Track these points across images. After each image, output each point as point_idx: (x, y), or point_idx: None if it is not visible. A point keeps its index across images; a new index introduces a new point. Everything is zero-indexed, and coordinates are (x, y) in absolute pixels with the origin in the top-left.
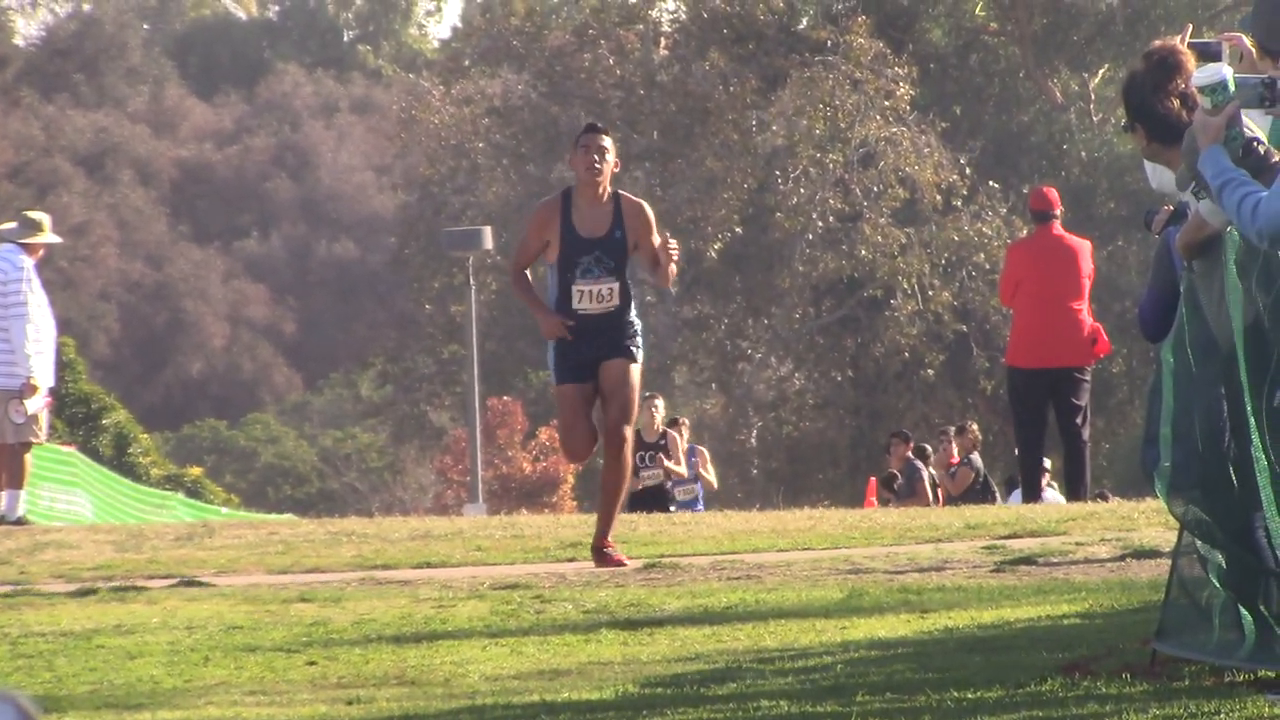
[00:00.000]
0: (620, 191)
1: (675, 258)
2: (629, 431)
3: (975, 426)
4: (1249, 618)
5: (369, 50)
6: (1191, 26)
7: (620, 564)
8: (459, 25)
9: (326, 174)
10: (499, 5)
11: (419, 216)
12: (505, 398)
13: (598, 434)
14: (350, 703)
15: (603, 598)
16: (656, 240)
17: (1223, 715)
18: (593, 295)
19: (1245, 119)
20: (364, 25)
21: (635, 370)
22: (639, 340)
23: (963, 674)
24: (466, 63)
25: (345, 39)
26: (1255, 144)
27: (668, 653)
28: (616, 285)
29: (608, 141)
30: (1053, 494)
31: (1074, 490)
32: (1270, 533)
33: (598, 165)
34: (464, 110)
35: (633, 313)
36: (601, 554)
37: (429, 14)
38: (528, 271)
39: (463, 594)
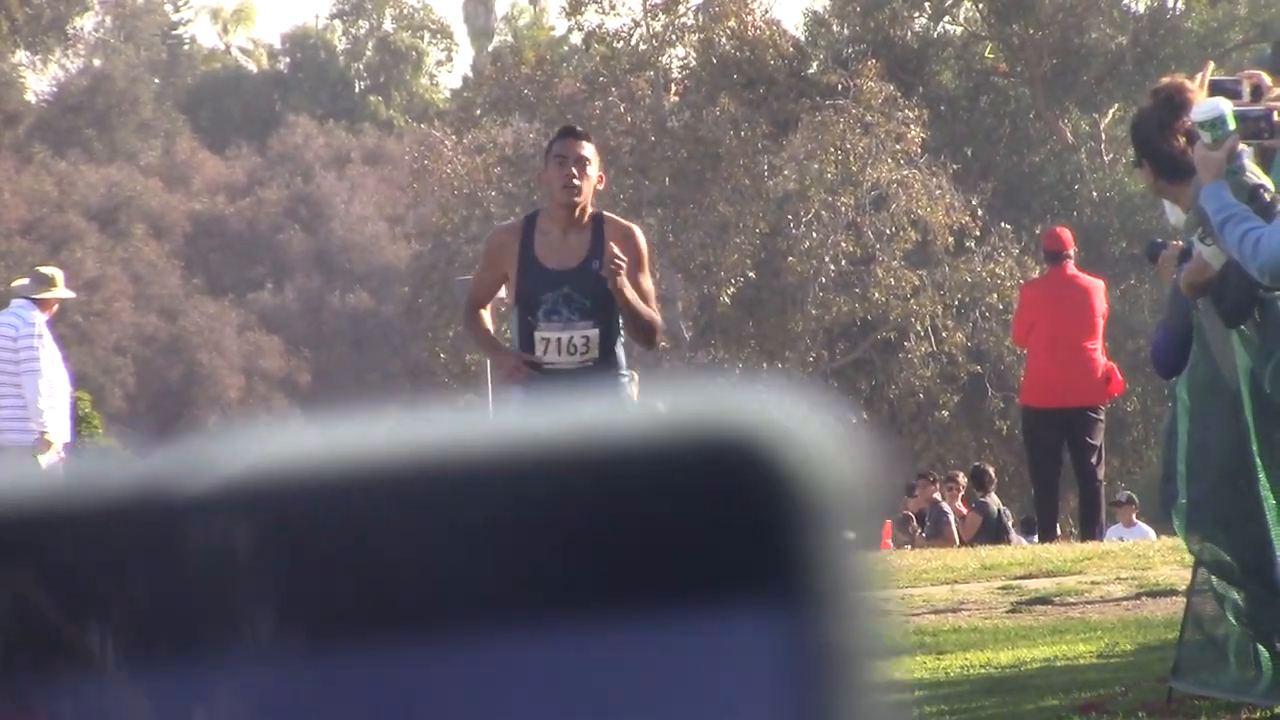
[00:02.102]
0: (606, 214)
1: (621, 268)
2: None
3: (992, 470)
4: (1266, 655)
5: (380, 101)
6: (1212, 65)
7: None
8: (469, 75)
9: (339, 225)
10: (509, 54)
11: (432, 266)
12: None
13: None
14: None
15: None
16: (647, 282)
17: None
18: (562, 345)
19: (1250, 165)
20: (375, 76)
21: None
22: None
23: (979, 715)
24: (478, 112)
25: (356, 90)
26: (1261, 190)
27: None
28: (595, 332)
29: (589, 150)
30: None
31: (1088, 530)
32: None
33: (575, 180)
34: (476, 159)
35: (623, 368)
36: None
37: (439, 64)
38: (486, 312)
39: None
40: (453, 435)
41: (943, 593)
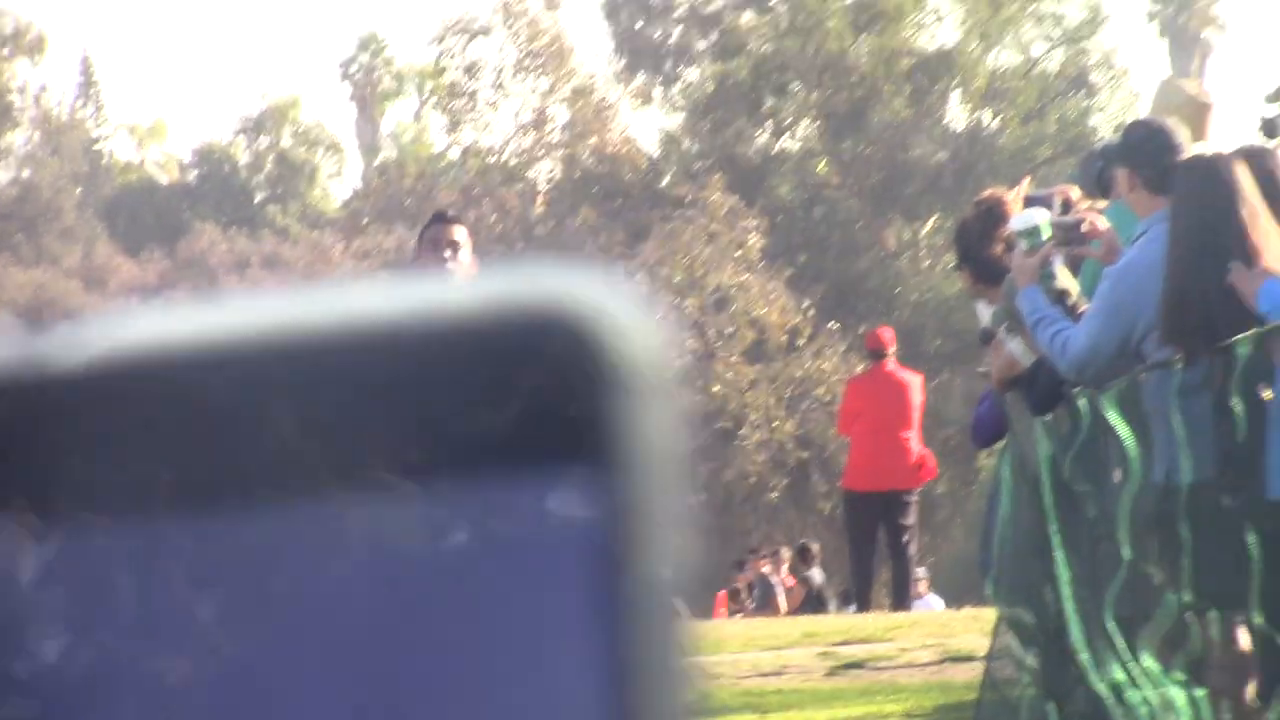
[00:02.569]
0: None
1: None
2: None
3: (816, 546)
4: (1055, 713)
5: (278, 210)
6: (1029, 179)
7: None
8: (358, 186)
9: None
10: (394, 168)
11: None
12: None
13: None
14: None
15: None
16: None
17: None
18: None
19: (1061, 270)
20: (274, 187)
21: None
22: None
23: None
24: (365, 220)
25: (256, 200)
26: (1065, 295)
27: None
28: None
29: (462, 233)
30: (926, 600)
31: (899, 601)
32: (1074, 646)
33: (450, 262)
34: (362, 263)
35: None
36: None
37: (331, 176)
38: None
39: None
40: (289, 315)
41: (768, 658)
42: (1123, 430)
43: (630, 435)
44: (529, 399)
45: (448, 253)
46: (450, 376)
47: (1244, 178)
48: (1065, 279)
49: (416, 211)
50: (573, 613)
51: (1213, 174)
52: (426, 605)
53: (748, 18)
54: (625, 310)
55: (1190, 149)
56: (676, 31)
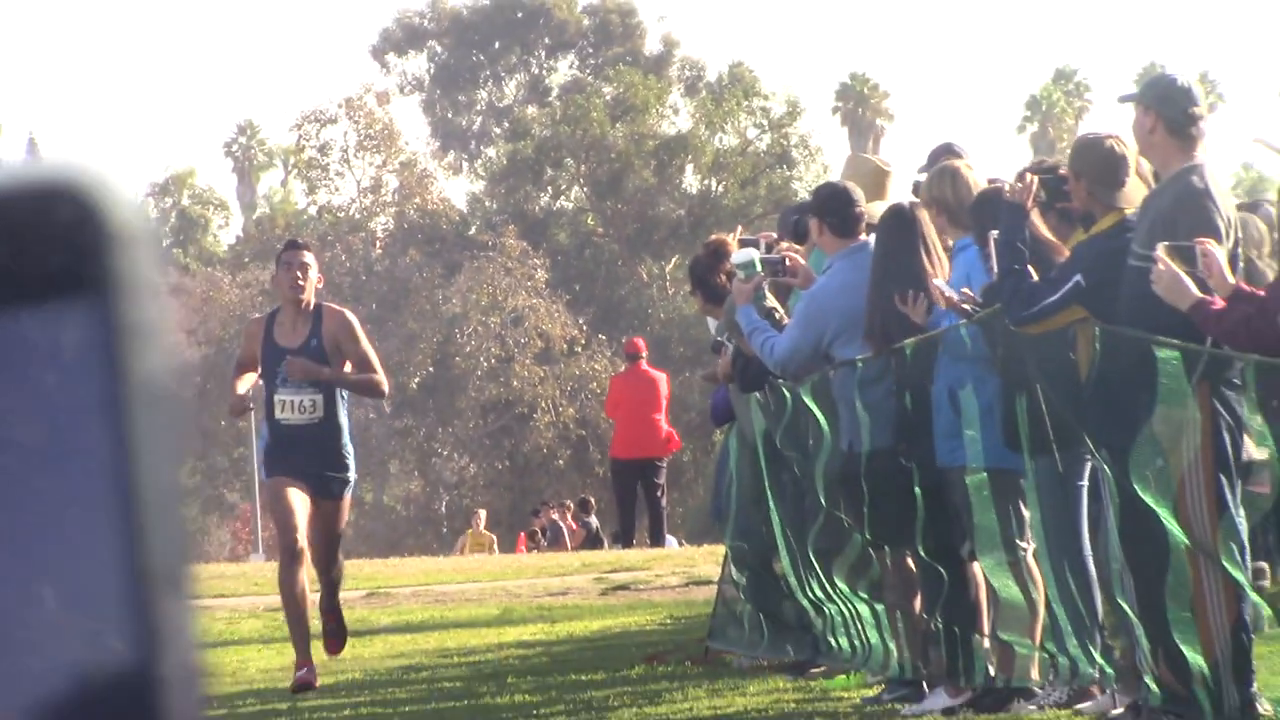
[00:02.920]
0: (324, 303)
1: (301, 371)
2: (334, 568)
3: (593, 499)
4: (765, 622)
5: (180, 252)
6: (740, 227)
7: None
8: (240, 235)
9: None
10: (266, 220)
11: (215, 364)
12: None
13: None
14: None
15: None
16: (364, 348)
17: (751, 688)
18: (293, 405)
19: (769, 293)
20: (176, 235)
21: (346, 503)
22: (349, 461)
23: (579, 663)
24: (246, 259)
25: (164, 244)
26: (773, 312)
27: (382, 652)
28: (320, 397)
29: (309, 256)
30: (671, 540)
31: (655, 540)
32: (784, 569)
33: (300, 281)
34: (245, 291)
35: (345, 429)
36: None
37: (220, 227)
38: (247, 378)
39: (244, 614)
40: None
41: (556, 582)
42: (817, 411)
43: (122, 274)
44: (43, 246)
45: (298, 272)
46: None
47: (926, 223)
48: (772, 300)
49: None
50: (89, 415)
51: (900, 222)
52: None
53: (531, 110)
54: (113, 184)
55: (868, 205)
56: (478, 120)
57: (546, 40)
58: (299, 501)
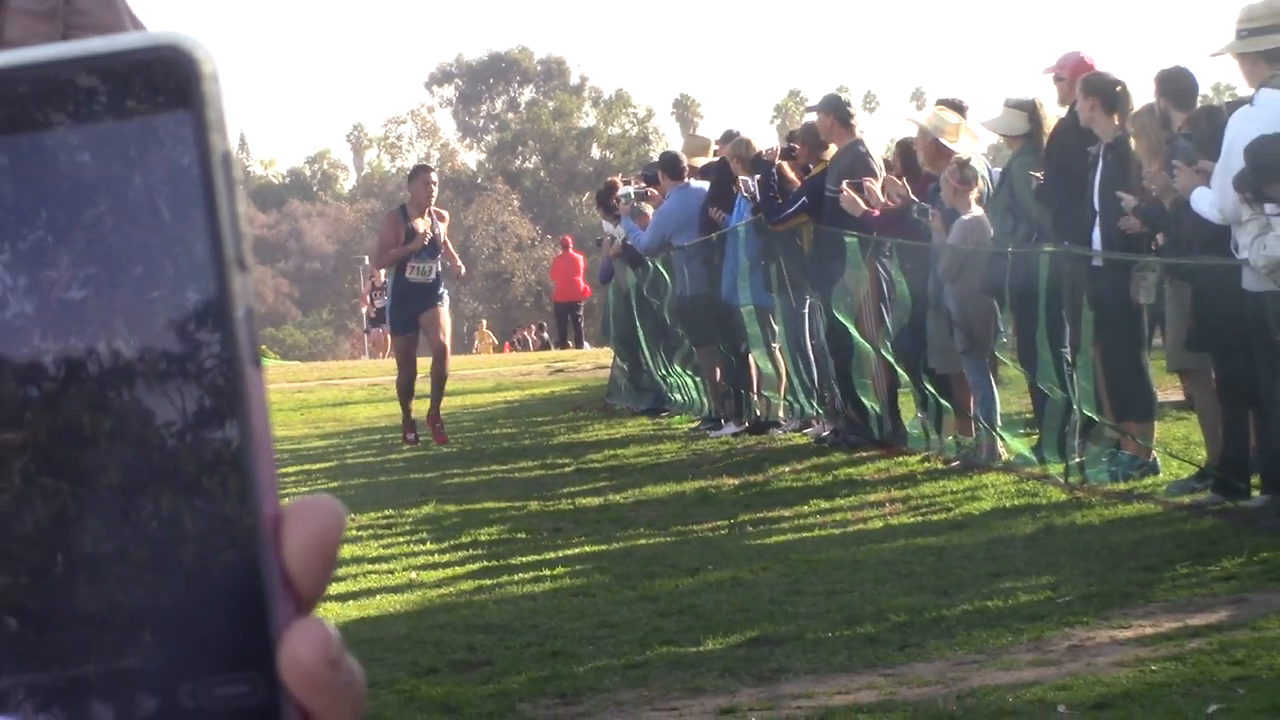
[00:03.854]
0: (435, 208)
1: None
2: (445, 360)
3: (545, 324)
4: (636, 388)
5: (322, 193)
6: (622, 176)
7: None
8: (355, 183)
9: None
10: (369, 177)
11: (341, 254)
12: None
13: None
14: None
15: None
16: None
17: (629, 423)
18: (420, 270)
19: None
20: (321, 184)
21: (445, 309)
22: (445, 294)
23: (538, 410)
24: (359, 197)
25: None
26: (640, 220)
27: (421, 408)
28: (436, 265)
29: (434, 175)
30: (587, 344)
31: (578, 345)
32: (646, 359)
33: (433, 192)
34: (358, 214)
35: (443, 288)
36: (433, 427)
37: (345, 179)
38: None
39: (358, 388)
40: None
41: (524, 368)
42: (665, 273)
43: (211, 104)
44: (150, 79)
45: (430, 186)
46: (93, 67)
47: (734, 169)
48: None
49: None
50: (189, 188)
51: (721, 167)
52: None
53: (510, 115)
54: (205, 49)
55: (694, 160)
56: (482, 122)
57: (518, 78)
58: (413, 352)
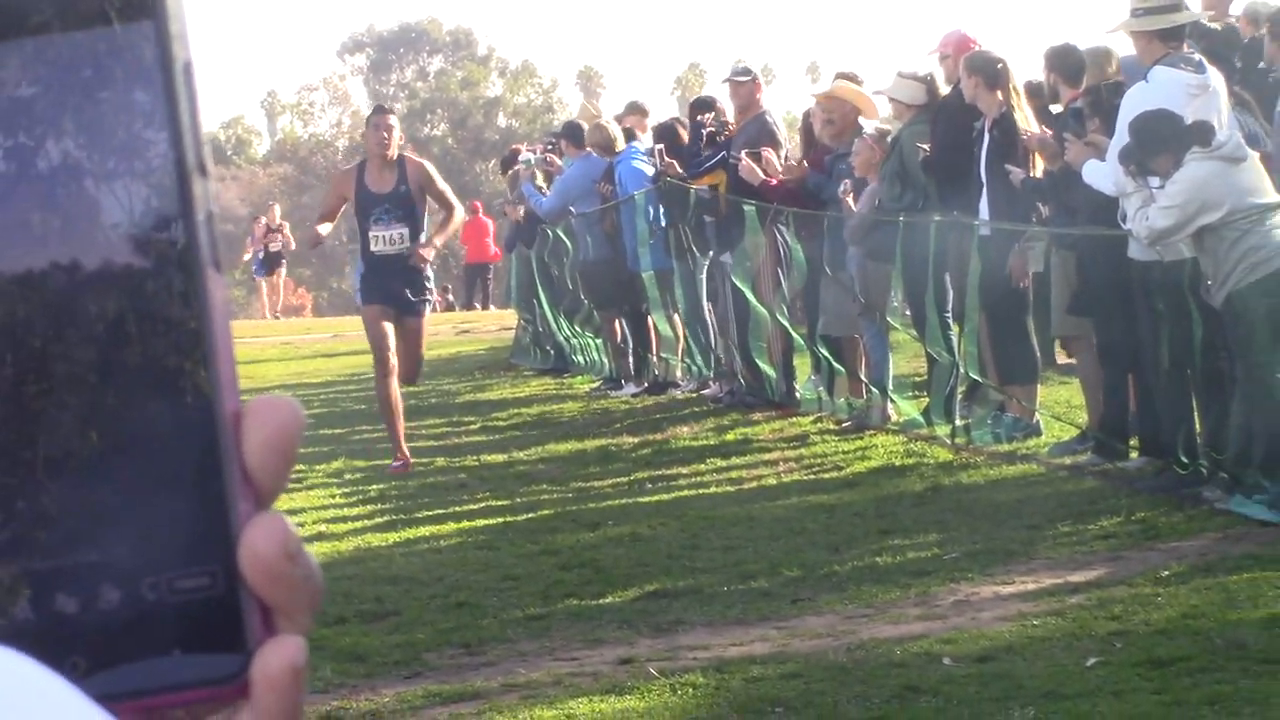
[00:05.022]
0: (405, 154)
1: (426, 259)
2: (416, 377)
3: (450, 286)
4: (540, 349)
5: (236, 157)
6: (526, 144)
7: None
8: (269, 149)
9: None
10: (281, 143)
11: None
12: None
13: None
14: None
15: None
16: (441, 185)
17: (533, 382)
18: (385, 239)
19: (539, 180)
20: (234, 148)
21: (424, 322)
22: (429, 285)
23: (444, 373)
24: (271, 161)
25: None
26: (540, 188)
27: (343, 366)
28: (406, 229)
29: (393, 120)
30: (493, 306)
31: (484, 306)
32: (550, 321)
33: (386, 138)
34: (270, 179)
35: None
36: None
37: (259, 145)
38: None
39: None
40: None
41: (431, 329)
42: (566, 239)
43: (173, 16)
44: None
45: (384, 132)
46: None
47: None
48: (540, 180)
49: None
50: (153, 100)
51: (604, 136)
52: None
53: (419, 84)
54: None
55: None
56: (393, 90)
57: (427, 48)
58: (388, 325)
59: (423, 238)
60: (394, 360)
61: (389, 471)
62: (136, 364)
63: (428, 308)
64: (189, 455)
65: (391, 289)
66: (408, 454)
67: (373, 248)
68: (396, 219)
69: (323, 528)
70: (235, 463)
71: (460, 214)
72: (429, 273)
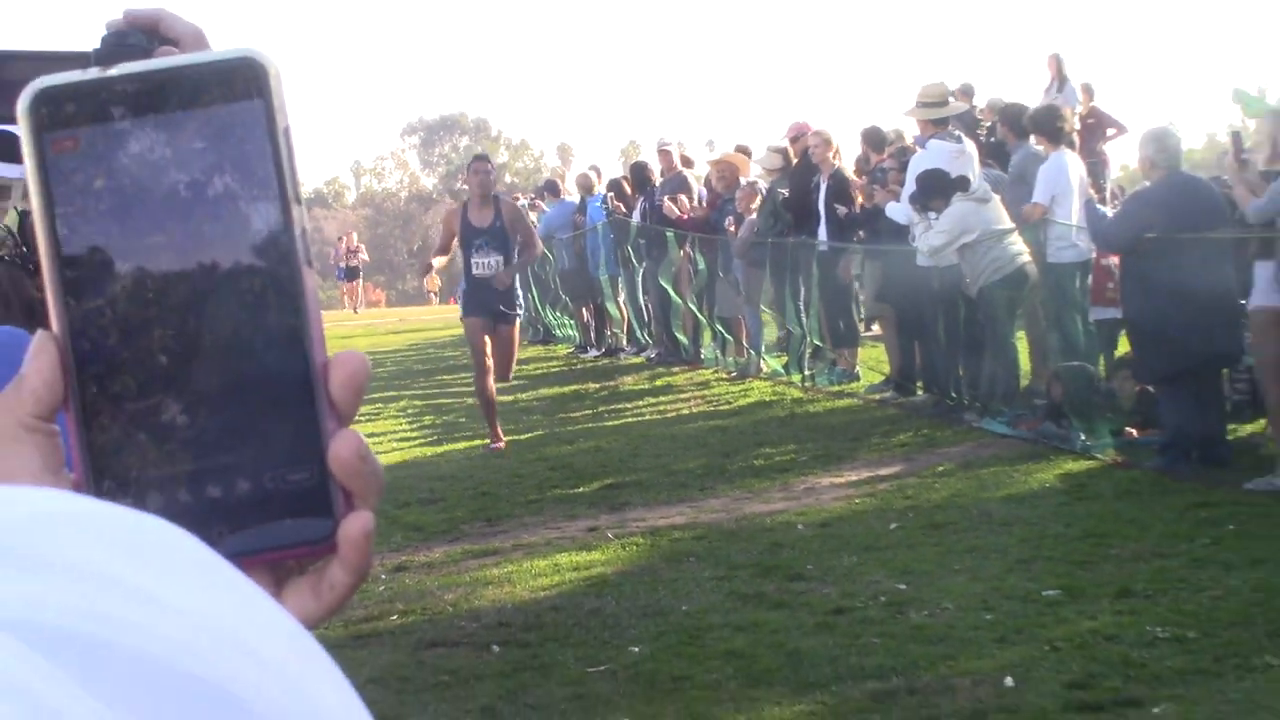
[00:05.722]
0: (500, 195)
1: (505, 282)
2: (508, 374)
3: None
4: (544, 331)
5: (323, 211)
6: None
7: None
8: (355, 199)
9: None
10: (366, 194)
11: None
12: None
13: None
14: None
15: None
16: (527, 223)
17: (533, 350)
18: (484, 265)
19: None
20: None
21: (515, 330)
22: (519, 300)
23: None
24: (356, 210)
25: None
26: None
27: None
28: (500, 258)
29: (490, 165)
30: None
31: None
32: (546, 315)
33: (484, 180)
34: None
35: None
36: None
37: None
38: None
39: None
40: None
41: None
42: (549, 253)
43: (275, 94)
44: (234, 76)
45: (484, 176)
46: (197, 74)
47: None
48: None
49: None
50: (267, 157)
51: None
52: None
53: (453, 155)
54: (272, 59)
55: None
56: (441, 160)
57: (458, 130)
58: (486, 335)
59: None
60: (489, 363)
61: (488, 451)
62: (260, 327)
63: (518, 320)
64: (294, 390)
65: (489, 304)
66: (502, 437)
67: (474, 271)
68: (493, 248)
69: (394, 444)
70: (324, 395)
71: (538, 248)
72: (518, 290)
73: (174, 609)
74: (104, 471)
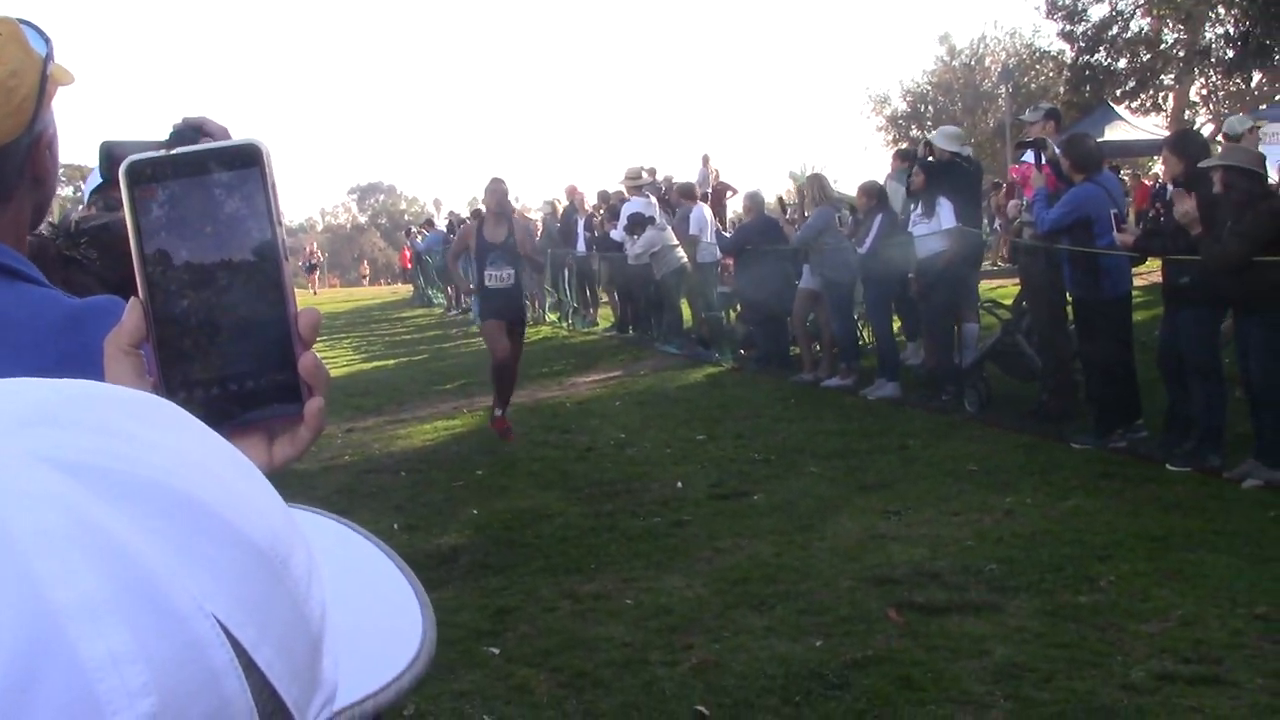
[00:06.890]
0: (512, 214)
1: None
2: (516, 364)
3: None
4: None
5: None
6: None
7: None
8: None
9: None
10: None
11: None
12: None
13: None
14: None
15: None
16: (533, 245)
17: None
18: (497, 277)
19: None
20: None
21: (522, 337)
22: (525, 306)
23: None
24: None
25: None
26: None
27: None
28: (513, 270)
29: (505, 185)
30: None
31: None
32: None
33: (498, 199)
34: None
35: (522, 287)
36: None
37: None
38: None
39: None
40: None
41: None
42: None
43: (268, 165)
44: (239, 157)
45: (500, 196)
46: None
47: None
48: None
49: None
50: (265, 222)
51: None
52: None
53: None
54: (265, 144)
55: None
56: None
57: (382, 194)
58: (503, 334)
59: (520, 278)
60: (505, 356)
61: (492, 427)
62: (259, 292)
63: (524, 325)
64: (278, 328)
65: (502, 310)
66: (509, 421)
67: (487, 283)
68: (505, 262)
69: (343, 363)
70: (296, 332)
71: (541, 263)
72: (524, 299)
73: (162, 448)
74: (169, 378)
